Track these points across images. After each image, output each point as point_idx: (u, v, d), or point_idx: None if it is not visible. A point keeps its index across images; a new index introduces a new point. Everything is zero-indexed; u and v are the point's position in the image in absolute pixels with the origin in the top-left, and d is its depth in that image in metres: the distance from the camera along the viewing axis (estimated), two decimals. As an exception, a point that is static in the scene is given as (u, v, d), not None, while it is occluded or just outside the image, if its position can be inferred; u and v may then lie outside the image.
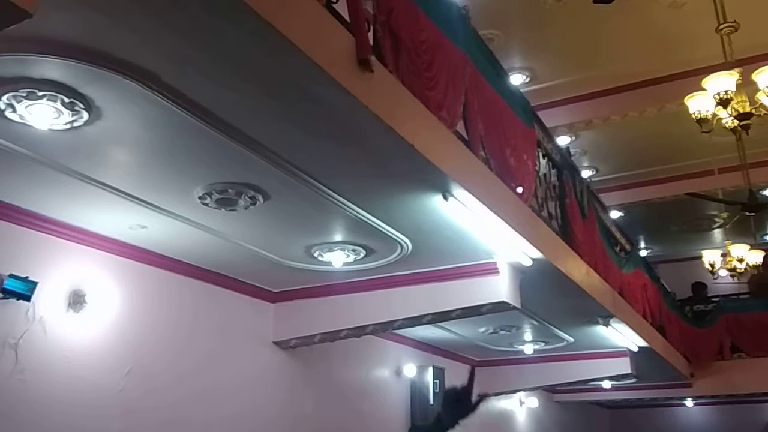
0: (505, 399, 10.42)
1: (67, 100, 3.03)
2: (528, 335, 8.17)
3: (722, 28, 6.89)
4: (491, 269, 5.31)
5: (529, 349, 8.67)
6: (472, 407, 4.58)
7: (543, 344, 8.55)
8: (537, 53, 8.84)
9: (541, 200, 5.85)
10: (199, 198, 4.08)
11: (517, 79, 8.88)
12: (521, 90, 6.40)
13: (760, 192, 9.94)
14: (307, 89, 3.00)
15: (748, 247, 10.02)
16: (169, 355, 5.09)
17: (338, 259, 5.11)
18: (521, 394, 10.78)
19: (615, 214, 10.80)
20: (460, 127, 4.37)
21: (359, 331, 5.96)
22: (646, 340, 8.42)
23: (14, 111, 3.12)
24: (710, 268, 10.22)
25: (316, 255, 5.10)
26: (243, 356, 5.79)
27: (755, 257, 9.94)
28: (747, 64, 6.84)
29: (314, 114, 3.21)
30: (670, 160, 10.70)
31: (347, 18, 3.20)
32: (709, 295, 13.35)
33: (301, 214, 4.42)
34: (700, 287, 13.50)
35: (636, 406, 14.64)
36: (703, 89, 6.39)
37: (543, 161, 5.98)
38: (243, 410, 5.64)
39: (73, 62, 2.79)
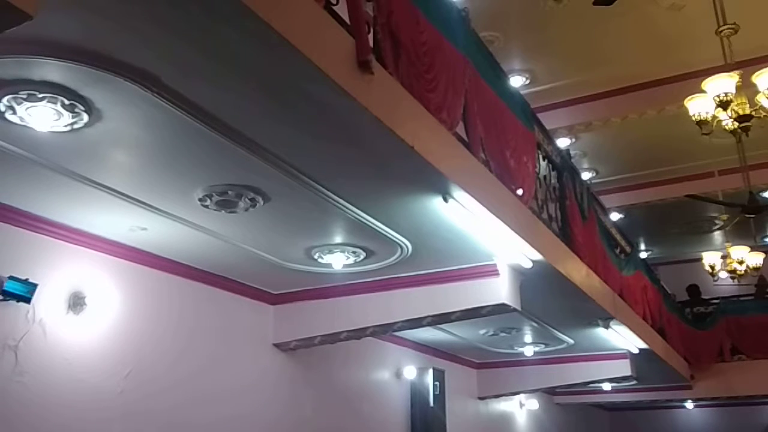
0: (505, 401, 10.42)
1: (67, 102, 3.03)
2: (528, 337, 8.17)
3: (722, 30, 6.89)
4: (491, 271, 5.31)
5: (529, 351, 8.67)
6: None
7: (543, 346, 8.55)
8: (537, 55, 8.84)
9: (541, 202, 5.84)
10: (199, 200, 4.08)
11: (517, 81, 8.90)
12: (521, 92, 6.40)
13: (760, 194, 9.93)
14: (306, 91, 2.99)
15: (749, 248, 10.02)
16: (169, 357, 5.09)
17: (338, 261, 5.11)
18: (521, 396, 10.77)
19: (615, 216, 10.79)
20: (460, 128, 4.37)
21: (359, 333, 5.97)
22: (646, 342, 8.41)
23: (14, 113, 3.12)
24: (710, 270, 10.21)
25: (316, 257, 5.10)
26: (243, 358, 5.78)
27: (755, 259, 9.94)
28: (747, 66, 6.83)
29: (314, 116, 3.20)
30: (670, 162, 10.71)
31: (347, 20, 3.20)
32: (709, 297, 13.34)
33: (301, 216, 4.42)
34: (694, 289, 13.50)
35: (636, 408, 14.65)
36: (703, 91, 6.40)
37: (543, 163, 5.97)
38: (243, 412, 5.64)
39: (74, 64, 2.79)
